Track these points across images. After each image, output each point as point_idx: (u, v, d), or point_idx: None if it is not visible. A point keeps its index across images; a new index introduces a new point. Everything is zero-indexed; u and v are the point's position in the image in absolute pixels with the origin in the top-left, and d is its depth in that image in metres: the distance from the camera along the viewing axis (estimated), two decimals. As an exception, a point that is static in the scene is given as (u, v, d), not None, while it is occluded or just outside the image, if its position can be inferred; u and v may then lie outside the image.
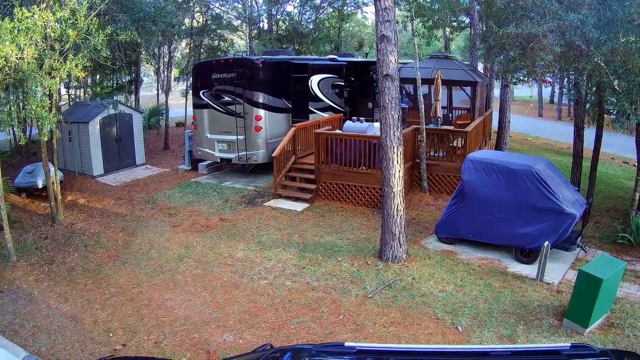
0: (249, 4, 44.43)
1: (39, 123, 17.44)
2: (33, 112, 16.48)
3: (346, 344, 6.21)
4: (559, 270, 15.20)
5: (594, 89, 17.54)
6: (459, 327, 12.26)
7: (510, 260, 15.89)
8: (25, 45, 15.97)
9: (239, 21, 45.45)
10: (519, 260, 15.81)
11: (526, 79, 24.88)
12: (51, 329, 13.24)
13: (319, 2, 46.25)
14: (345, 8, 48.50)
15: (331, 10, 48.45)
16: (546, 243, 14.28)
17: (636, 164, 20.67)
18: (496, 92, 35.35)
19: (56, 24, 17.01)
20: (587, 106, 20.69)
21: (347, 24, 55.35)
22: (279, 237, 17.90)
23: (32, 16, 16.01)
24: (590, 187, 20.52)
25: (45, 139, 18.46)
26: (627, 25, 14.40)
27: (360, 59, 34.57)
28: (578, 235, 16.20)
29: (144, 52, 37.20)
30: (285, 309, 13.39)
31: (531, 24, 15.50)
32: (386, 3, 14.56)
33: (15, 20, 15.73)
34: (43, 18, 16.19)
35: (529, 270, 15.15)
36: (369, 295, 13.75)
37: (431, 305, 13.20)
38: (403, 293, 13.82)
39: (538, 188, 15.21)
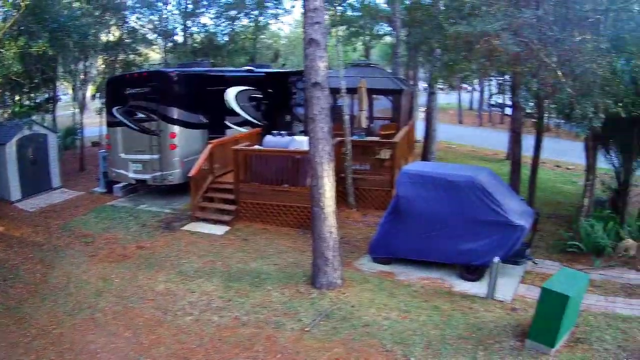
0: (164, 16, 43.78)
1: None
2: None
3: None
4: (509, 286, 14.80)
5: (542, 92, 17.21)
6: (412, 359, 11.67)
7: (455, 278, 15.46)
8: None
9: (155, 35, 44.75)
10: (464, 278, 15.36)
11: (464, 83, 24.86)
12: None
13: (235, 13, 45.87)
14: (261, 19, 48.46)
15: (247, 21, 48.16)
16: (496, 259, 13.87)
17: (571, 168, 20.64)
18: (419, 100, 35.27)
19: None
20: (527, 111, 20.56)
21: (263, 36, 55.21)
22: (200, 266, 17.05)
23: None
24: (531, 194, 20.25)
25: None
26: (583, 22, 14.29)
27: (277, 69, 33.96)
28: (527, 247, 15.87)
29: (61, 69, 36.16)
30: (216, 350, 12.54)
31: (482, 22, 15.03)
32: (315, 3, 13.92)
33: None
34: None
35: (477, 288, 14.74)
36: (306, 329, 12.98)
37: (377, 336, 12.54)
38: (344, 324, 13.12)
39: (482, 200, 14.81)
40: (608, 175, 21.12)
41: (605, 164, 20.27)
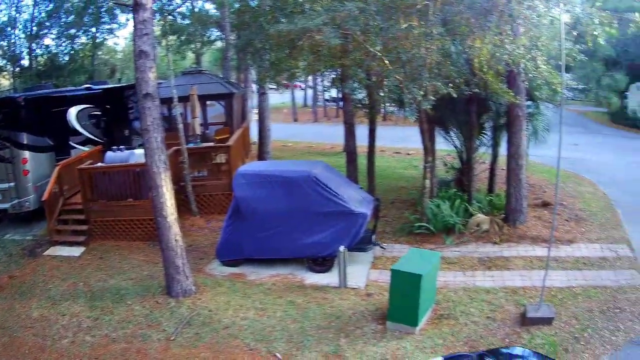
0: (12, 41, 42.61)
1: None
2: None
3: None
4: (361, 273, 15.08)
5: (370, 82, 17.48)
6: (278, 354, 11.79)
7: (304, 271, 15.63)
8: None
9: (4, 61, 43.58)
10: (313, 271, 15.56)
11: (285, 82, 24.69)
12: None
13: (74, 31, 45.27)
14: (98, 35, 48.16)
15: (85, 38, 47.68)
16: (342, 248, 14.06)
17: (412, 153, 21.02)
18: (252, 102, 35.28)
19: None
20: (359, 102, 20.85)
21: (100, 52, 54.77)
22: (65, 289, 16.54)
23: None
24: (370, 182, 20.55)
25: None
26: (408, 10, 14.41)
27: (114, 85, 33.34)
28: (372, 233, 16.14)
29: None
30: (95, 368, 12.26)
31: (304, 18, 15.09)
32: (144, 15, 13.75)
33: None
34: None
35: (328, 278, 14.94)
36: (172, 338, 12.94)
37: (239, 336, 12.64)
38: (205, 328, 13.17)
39: (320, 193, 15.05)
40: (451, 156, 21.70)
41: (446, 145, 20.99)
